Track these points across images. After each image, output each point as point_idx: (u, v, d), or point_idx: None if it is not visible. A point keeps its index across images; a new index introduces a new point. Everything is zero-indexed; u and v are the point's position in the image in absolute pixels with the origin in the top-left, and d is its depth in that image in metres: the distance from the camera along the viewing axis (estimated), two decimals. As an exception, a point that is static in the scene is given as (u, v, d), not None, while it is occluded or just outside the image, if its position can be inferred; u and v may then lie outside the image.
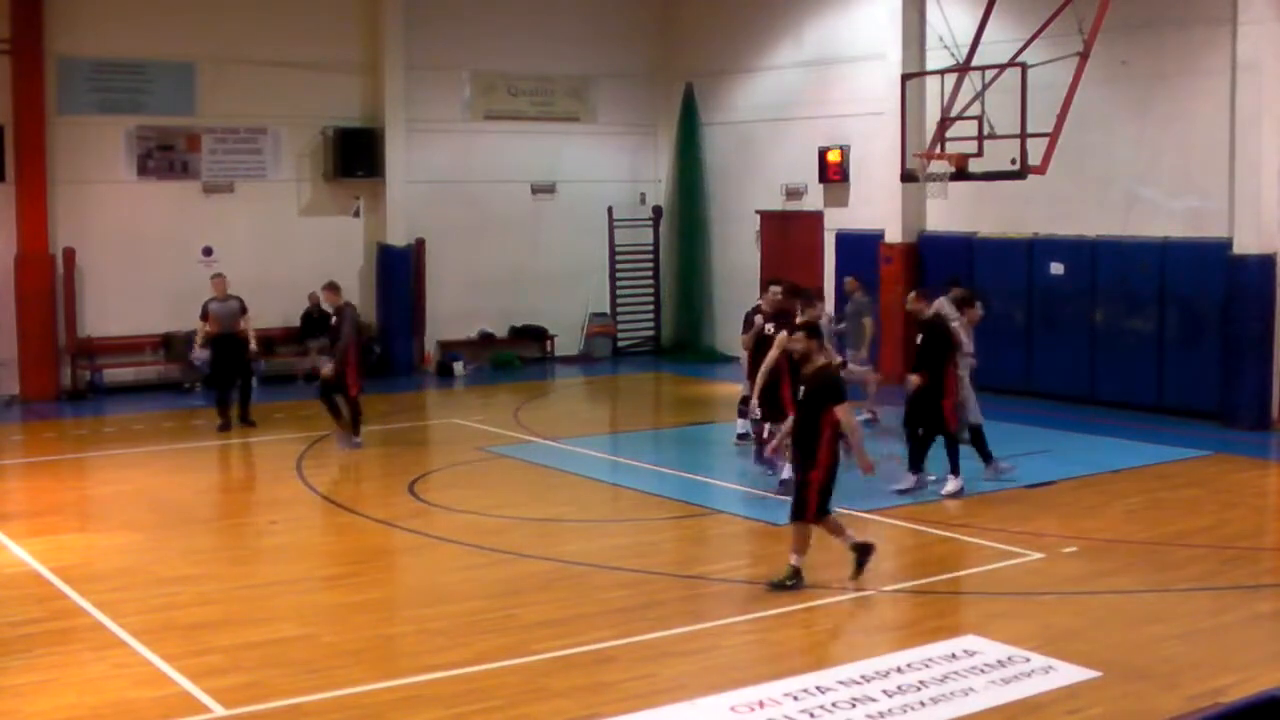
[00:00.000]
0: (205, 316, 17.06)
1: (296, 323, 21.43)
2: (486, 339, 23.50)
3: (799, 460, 10.29)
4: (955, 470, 13.17)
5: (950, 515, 12.53)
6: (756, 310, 14.41)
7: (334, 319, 16.09)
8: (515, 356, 23.48)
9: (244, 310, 17.17)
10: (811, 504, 10.18)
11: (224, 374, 17.05)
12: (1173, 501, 13.05)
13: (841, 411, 10.07)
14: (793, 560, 10.20)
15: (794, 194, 22.67)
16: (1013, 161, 15.62)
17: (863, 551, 10.40)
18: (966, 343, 13.82)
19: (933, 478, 13.22)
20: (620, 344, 24.56)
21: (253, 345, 17.18)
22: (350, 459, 15.84)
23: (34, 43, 19.48)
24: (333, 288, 16.25)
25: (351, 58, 22.10)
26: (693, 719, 7.90)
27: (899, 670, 8.50)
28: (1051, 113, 15.49)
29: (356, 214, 22.41)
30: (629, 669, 8.71)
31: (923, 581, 10.79)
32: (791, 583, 10.13)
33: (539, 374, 22.68)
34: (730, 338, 20.96)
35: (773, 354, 12.81)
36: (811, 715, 7.82)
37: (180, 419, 17.78)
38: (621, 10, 24.52)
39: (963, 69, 16.55)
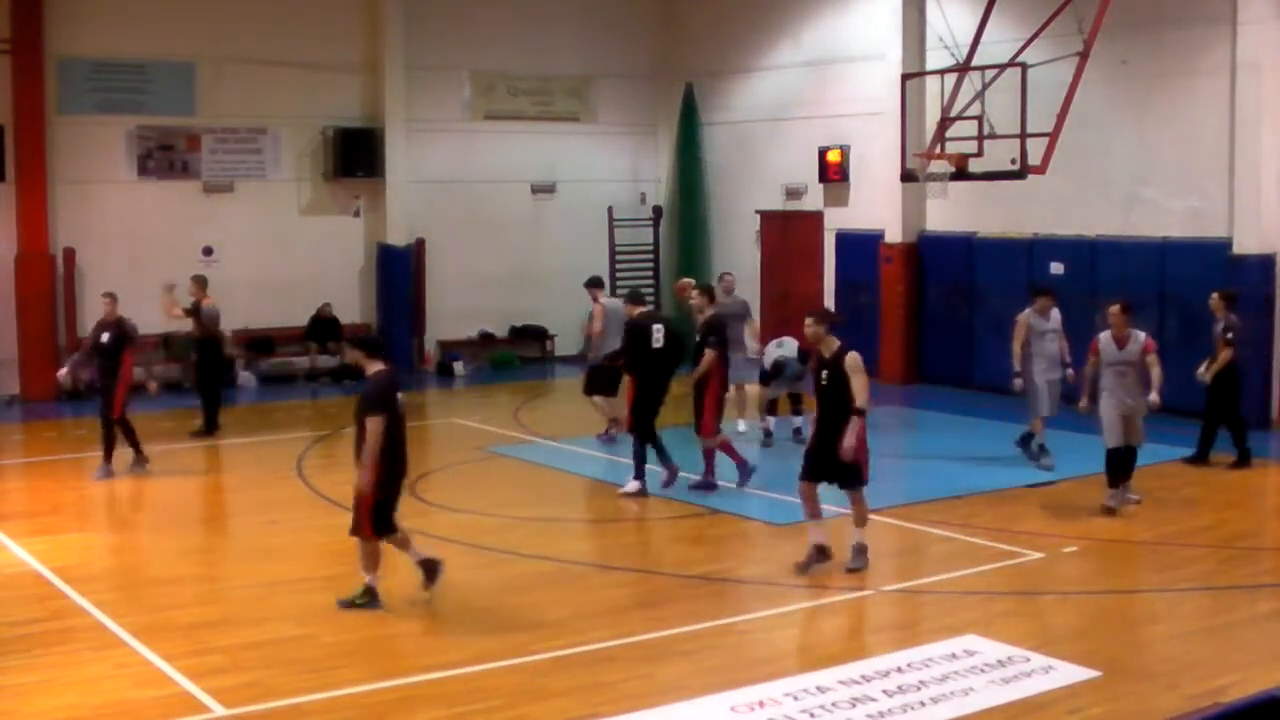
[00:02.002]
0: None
1: (296, 323, 21.45)
2: (486, 339, 23.51)
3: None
4: (639, 473, 13.38)
5: (950, 515, 12.52)
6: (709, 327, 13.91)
7: (105, 335, 14.60)
8: (515, 356, 23.49)
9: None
10: (364, 519, 9.78)
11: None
12: (1173, 501, 13.04)
13: (370, 424, 9.59)
14: (366, 579, 9.87)
15: (794, 194, 22.67)
16: (1013, 161, 15.61)
17: (430, 568, 9.99)
18: (1116, 352, 12.74)
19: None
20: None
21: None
22: (351, 458, 15.79)
23: (34, 43, 19.49)
24: (112, 297, 14.98)
25: (351, 58, 22.10)
26: (693, 719, 7.90)
27: (899, 670, 8.50)
28: (1051, 113, 15.48)
29: (356, 214, 22.42)
30: (629, 669, 8.71)
31: (923, 581, 10.79)
32: (362, 601, 9.82)
33: (539, 374, 22.68)
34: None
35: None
36: (811, 715, 7.82)
37: (180, 419, 17.75)
38: (621, 10, 24.53)
39: (963, 69, 16.55)
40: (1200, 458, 14.61)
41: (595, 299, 16.60)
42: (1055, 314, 14.57)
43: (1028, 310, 14.59)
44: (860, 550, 10.74)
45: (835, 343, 10.67)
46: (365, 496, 9.73)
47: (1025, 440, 14.52)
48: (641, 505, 13.31)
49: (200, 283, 17.15)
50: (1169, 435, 16.02)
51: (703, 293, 14.30)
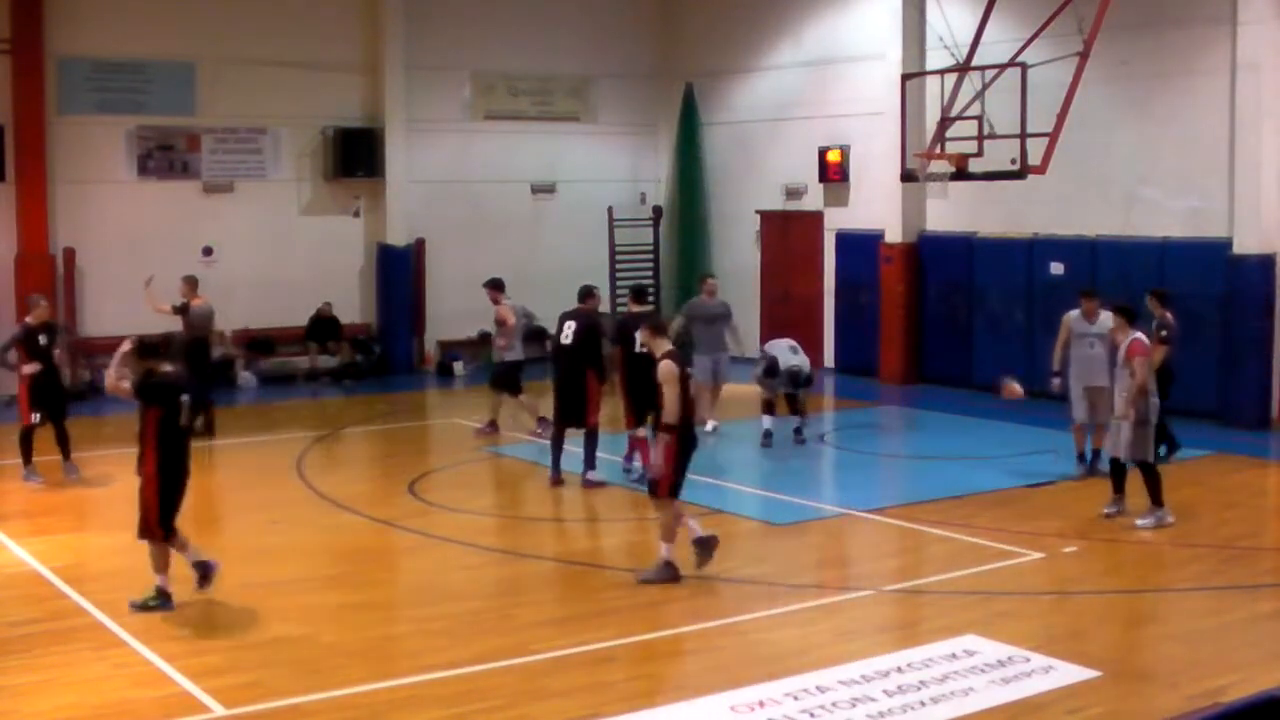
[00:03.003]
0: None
1: (296, 323, 21.44)
2: (486, 339, 23.46)
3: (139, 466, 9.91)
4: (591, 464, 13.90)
5: (950, 515, 12.52)
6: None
7: (43, 337, 14.13)
8: (515, 356, 23.44)
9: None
10: (151, 517, 9.73)
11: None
12: (1172, 501, 13.01)
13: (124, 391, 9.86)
14: (158, 580, 9.80)
15: (794, 194, 22.67)
16: (1013, 161, 15.60)
17: (204, 570, 9.98)
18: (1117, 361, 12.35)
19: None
20: (620, 344, 24.55)
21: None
22: (351, 458, 15.80)
23: (34, 43, 19.49)
24: (48, 300, 14.84)
25: (351, 58, 22.10)
26: (693, 719, 7.90)
27: (899, 670, 8.51)
28: (1051, 113, 15.47)
29: (356, 214, 22.42)
30: (629, 669, 8.72)
31: (923, 581, 10.80)
32: (155, 602, 9.72)
33: (539, 374, 22.61)
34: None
35: None
36: (811, 715, 7.82)
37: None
38: (621, 10, 24.53)
39: (963, 69, 16.54)
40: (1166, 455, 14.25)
41: (496, 300, 17.12)
42: (1105, 318, 13.53)
43: (1073, 311, 14.11)
44: (659, 564, 10.43)
45: (661, 349, 10.56)
46: (151, 499, 9.73)
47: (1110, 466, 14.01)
48: (641, 506, 13.30)
49: (190, 283, 17.05)
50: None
51: (630, 293, 15.48)
